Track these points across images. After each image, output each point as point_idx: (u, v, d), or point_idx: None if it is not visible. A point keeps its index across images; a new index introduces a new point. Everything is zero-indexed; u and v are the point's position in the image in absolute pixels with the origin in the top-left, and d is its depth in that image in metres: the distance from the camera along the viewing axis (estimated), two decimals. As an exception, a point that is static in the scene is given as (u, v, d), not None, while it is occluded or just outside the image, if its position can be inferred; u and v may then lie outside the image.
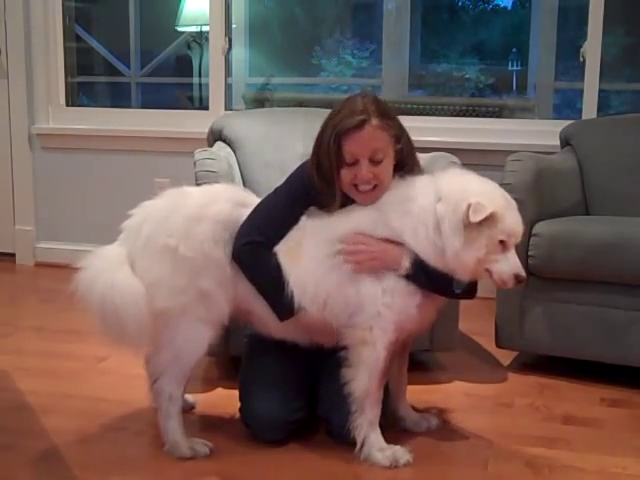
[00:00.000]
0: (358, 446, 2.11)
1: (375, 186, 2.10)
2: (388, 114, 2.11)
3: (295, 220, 2.15)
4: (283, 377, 2.25)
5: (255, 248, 2.10)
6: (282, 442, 2.21)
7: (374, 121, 2.06)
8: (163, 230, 2.09)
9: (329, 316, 2.10)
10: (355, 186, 2.10)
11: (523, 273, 2.04)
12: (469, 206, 1.97)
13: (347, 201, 2.15)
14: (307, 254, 2.10)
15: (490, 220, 1.98)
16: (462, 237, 2.00)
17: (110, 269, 2.06)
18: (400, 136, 2.12)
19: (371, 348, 2.06)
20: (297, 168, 2.22)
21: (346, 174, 2.09)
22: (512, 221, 2.04)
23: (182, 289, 2.07)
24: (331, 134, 2.07)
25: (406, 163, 2.16)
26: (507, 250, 2.03)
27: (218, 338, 2.16)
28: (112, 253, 2.12)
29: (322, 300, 2.09)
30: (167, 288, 2.06)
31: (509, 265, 2.02)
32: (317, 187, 2.13)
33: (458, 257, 2.01)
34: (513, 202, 2.09)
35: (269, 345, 2.26)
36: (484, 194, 2.02)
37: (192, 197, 2.18)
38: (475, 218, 1.97)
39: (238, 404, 2.30)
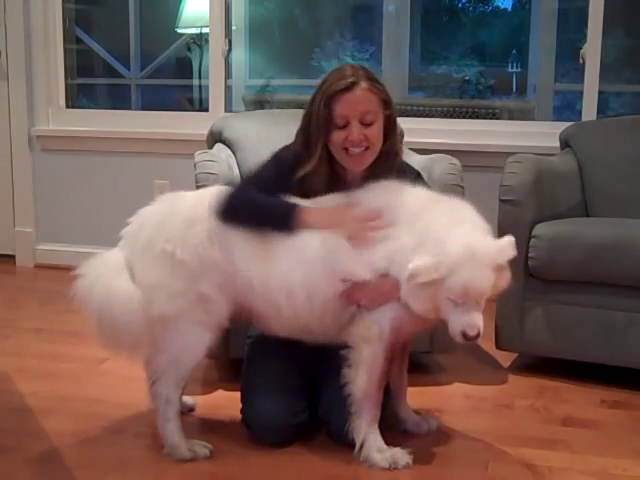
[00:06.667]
0: (357, 447, 2.11)
1: (367, 148, 2.13)
2: (377, 80, 2.17)
3: (281, 191, 2.15)
4: (285, 379, 2.25)
5: (237, 195, 2.12)
6: (283, 444, 2.21)
7: (363, 84, 2.11)
8: (160, 235, 2.09)
9: (326, 319, 2.10)
10: (346, 150, 2.13)
11: (473, 332, 1.88)
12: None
13: (332, 181, 2.18)
14: (298, 255, 2.08)
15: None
16: (408, 289, 1.92)
17: (108, 276, 2.08)
18: (388, 102, 2.17)
19: (370, 347, 2.05)
20: (278, 150, 2.24)
21: (337, 137, 2.12)
22: (461, 282, 1.86)
23: (180, 293, 2.06)
24: (321, 99, 2.11)
25: (390, 135, 2.20)
26: (460, 306, 1.89)
27: (218, 341, 2.16)
28: (111, 259, 2.13)
29: (318, 307, 2.08)
30: (165, 293, 2.06)
31: (458, 321, 1.89)
32: (303, 162, 2.15)
33: (407, 304, 1.96)
34: (484, 258, 1.89)
35: (271, 347, 2.26)
36: (445, 244, 1.88)
37: (186, 200, 2.19)
38: (408, 282, 1.89)
39: (238, 406, 2.29)
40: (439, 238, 1.91)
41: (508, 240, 1.96)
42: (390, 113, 2.18)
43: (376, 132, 2.14)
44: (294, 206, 2.09)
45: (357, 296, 2.05)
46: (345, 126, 2.11)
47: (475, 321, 1.89)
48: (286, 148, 2.22)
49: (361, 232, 2.03)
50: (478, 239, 1.92)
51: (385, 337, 2.06)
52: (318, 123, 2.12)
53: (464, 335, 1.89)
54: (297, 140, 2.20)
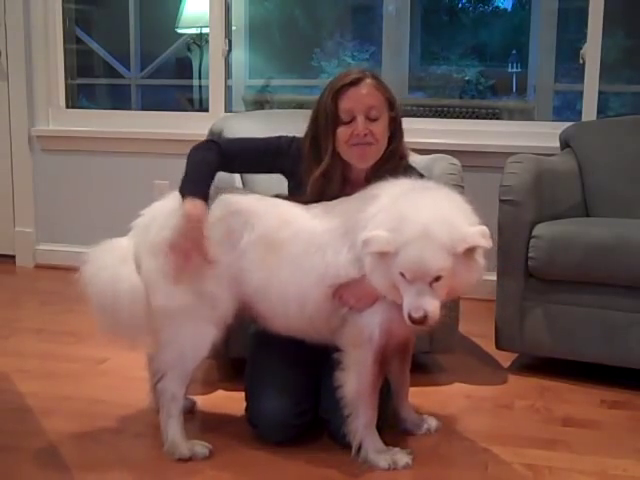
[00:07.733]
0: (354, 449, 2.10)
1: (371, 144, 2.18)
2: (383, 81, 2.24)
3: (258, 163, 2.29)
4: (290, 378, 2.24)
5: (206, 147, 2.24)
6: (287, 443, 2.20)
7: (369, 80, 2.19)
8: (170, 231, 2.10)
9: (317, 322, 2.10)
10: (351, 145, 2.18)
11: (417, 314, 1.81)
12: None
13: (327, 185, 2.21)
14: (291, 259, 2.08)
15: (386, 252, 1.86)
16: (366, 263, 1.93)
17: (115, 263, 2.10)
18: (393, 103, 2.23)
19: (360, 351, 2.05)
20: (288, 137, 2.31)
21: (343, 132, 2.17)
22: (409, 257, 1.82)
23: (182, 289, 2.07)
24: (328, 94, 2.19)
25: (395, 137, 2.24)
26: (413, 286, 1.84)
27: (221, 338, 2.16)
28: (119, 247, 2.16)
29: (310, 311, 2.08)
30: (167, 287, 2.07)
31: (408, 302, 1.84)
32: (304, 156, 2.22)
33: (370, 281, 1.95)
34: (439, 239, 1.82)
35: (276, 345, 2.25)
36: (405, 223, 1.85)
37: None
38: (362, 251, 1.90)
39: (238, 406, 2.30)
40: (404, 218, 1.87)
41: (478, 229, 1.86)
42: (395, 115, 2.23)
43: (381, 128, 2.18)
44: (196, 190, 2.11)
45: (345, 296, 2.05)
46: (351, 122, 2.16)
47: (422, 304, 1.82)
48: (293, 140, 2.28)
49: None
50: (440, 223, 1.84)
51: (375, 341, 2.05)
52: (326, 119, 2.18)
53: (410, 317, 1.83)
54: (305, 141, 2.24)
